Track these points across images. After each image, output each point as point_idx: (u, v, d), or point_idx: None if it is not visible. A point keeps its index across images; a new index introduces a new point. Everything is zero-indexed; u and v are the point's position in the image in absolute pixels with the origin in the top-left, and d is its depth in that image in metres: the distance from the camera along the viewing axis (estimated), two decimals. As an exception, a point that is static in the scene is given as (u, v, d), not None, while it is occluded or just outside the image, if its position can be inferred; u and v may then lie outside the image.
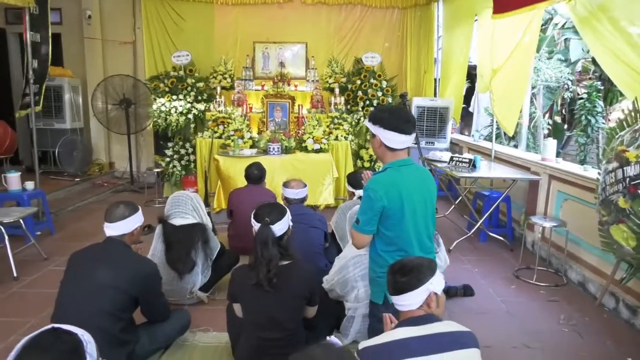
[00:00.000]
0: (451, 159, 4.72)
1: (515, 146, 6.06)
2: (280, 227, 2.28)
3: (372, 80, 6.68)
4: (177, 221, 3.20)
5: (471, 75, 7.13)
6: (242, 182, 4.99)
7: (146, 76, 7.19)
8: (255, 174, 4.28)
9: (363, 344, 1.54)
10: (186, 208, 3.27)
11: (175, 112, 6.30)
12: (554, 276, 3.91)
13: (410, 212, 2.27)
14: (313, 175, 5.24)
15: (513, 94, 5.14)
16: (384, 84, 6.73)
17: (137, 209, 2.51)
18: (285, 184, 3.60)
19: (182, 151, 6.42)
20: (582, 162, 5.01)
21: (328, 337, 1.25)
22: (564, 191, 4.09)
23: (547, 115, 6.95)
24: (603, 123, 5.14)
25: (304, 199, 3.61)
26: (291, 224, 2.39)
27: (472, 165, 4.54)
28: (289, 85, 6.81)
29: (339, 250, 3.73)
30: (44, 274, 3.79)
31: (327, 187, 5.39)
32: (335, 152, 5.91)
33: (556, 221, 3.79)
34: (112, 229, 2.42)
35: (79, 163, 6.92)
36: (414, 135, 2.36)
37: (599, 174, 3.07)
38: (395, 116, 2.28)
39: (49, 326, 1.29)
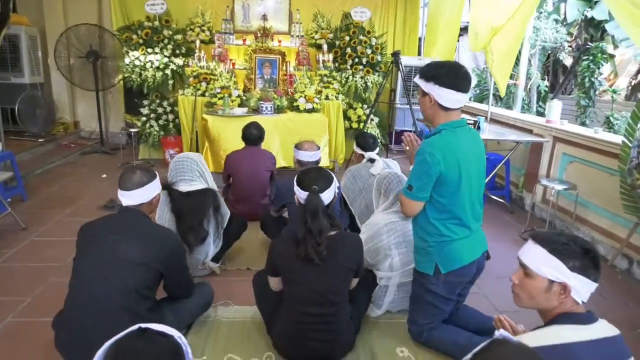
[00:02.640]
0: (455, 120, 4.59)
1: (509, 108, 6.02)
2: (328, 196, 2.07)
3: (361, 37, 6.38)
4: (183, 187, 2.90)
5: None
6: (234, 142, 4.69)
7: (113, 27, 6.54)
8: (254, 134, 4.00)
9: None
10: (192, 174, 2.95)
11: (151, 66, 5.81)
12: (560, 238, 3.94)
13: (467, 177, 2.12)
14: (308, 136, 4.94)
15: (509, 53, 5.04)
16: (374, 41, 6.45)
17: (155, 175, 2.22)
18: (298, 146, 3.35)
19: (160, 110, 5.96)
20: (583, 124, 5.04)
21: (497, 332, 1.07)
22: (570, 153, 4.07)
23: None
24: (602, 86, 5.17)
25: (317, 162, 3.39)
26: (337, 191, 2.18)
27: (477, 127, 4.44)
28: (272, 40, 6.40)
29: (350, 215, 3.58)
30: (26, 245, 3.42)
31: (322, 149, 5.15)
32: (327, 112, 5.66)
33: (566, 184, 3.78)
34: (129, 198, 2.12)
35: (42, 122, 6.31)
36: (469, 94, 2.18)
37: (625, 137, 3.02)
38: (454, 72, 2.08)
39: (135, 327, 1.05)
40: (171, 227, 2.80)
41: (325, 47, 6.28)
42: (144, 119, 5.91)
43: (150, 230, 2.11)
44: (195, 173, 2.97)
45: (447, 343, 2.26)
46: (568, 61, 7.58)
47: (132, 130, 5.74)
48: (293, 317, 2.07)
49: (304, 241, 1.97)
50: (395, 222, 2.64)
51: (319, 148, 3.38)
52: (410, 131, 6.88)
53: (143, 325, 1.05)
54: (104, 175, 5.28)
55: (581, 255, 1.36)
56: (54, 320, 2.07)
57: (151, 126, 5.89)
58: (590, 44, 5.12)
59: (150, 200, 2.19)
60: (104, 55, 6.30)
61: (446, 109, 2.13)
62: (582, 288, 1.36)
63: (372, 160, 3.75)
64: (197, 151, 4.89)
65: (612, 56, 5.62)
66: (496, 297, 2.94)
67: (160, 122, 5.93)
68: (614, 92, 5.36)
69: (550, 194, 4.12)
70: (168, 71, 5.85)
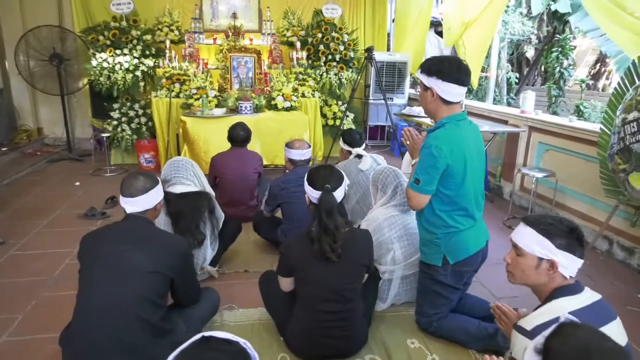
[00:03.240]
0: (434, 113, 4.68)
1: (480, 100, 6.18)
2: (340, 194, 2.08)
3: (333, 34, 6.40)
4: (177, 188, 2.81)
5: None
6: (214, 144, 4.63)
7: (75, 28, 6.29)
8: (241, 135, 3.94)
9: (529, 323, 1.45)
10: (187, 173, 2.87)
11: (121, 68, 5.61)
12: (541, 224, 4.10)
13: (471, 169, 2.18)
14: (290, 135, 4.95)
15: (481, 46, 5.19)
16: (346, 37, 6.49)
17: (158, 180, 2.16)
18: (289, 145, 3.33)
19: (131, 113, 5.77)
20: (554, 113, 5.26)
21: (562, 316, 1.09)
22: (546, 142, 4.24)
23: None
24: (571, 76, 5.43)
25: (309, 160, 3.38)
26: (347, 188, 2.19)
27: (456, 119, 4.54)
28: (243, 38, 6.33)
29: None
30: (7, 260, 3.23)
31: (304, 147, 5.14)
32: (305, 110, 5.65)
33: (545, 171, 3.92)
34: (134, 205, 2.05)
35: (4, 130, 5.99)
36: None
37: (603, 124, 3.17)
38: (455, 66, 2.13)
39: (198, 336, 1.02)
40: (167, 230, 2.74)
41: (298, 44, 6.26)
42: (115, 123, 5.70)
43: (159, 237, 2.06)
44: (191, 173, 2.91)
45: (457, 331, 2.31)
46: (530, 53, 7.85)
47: (104, 135, 5.53)
48: (310, 317, 2.07)
49: (319, 240, 1.97)
50: (395, 215, 2.68)
51: (309, 146, 3.37)
52: (387, 125, 6.93)
53: (206, 333, 1.03)
54: (78, 183, 5.08)
55: (566, 234, 1.52)
56: (62, 335, 1.99)
57: (123, 130, 5.70)
58: (558, 35, 5.35)
59: (154, 206, 2.13)
60: (68, 58, 6.04)
61: (448, 103, 2.18)
62: (568, 264, 1.52)
63: (359, 156, 3.78)
64: (179, 154, 4.78)
65: (573, 47, 5.89)
66: (491, 283, 3.03)
67: (133, 125, 5.74)
68: (582, 81, 5.64)
69: (530, 183, 4.27)
70: (138, 73, 5.68)
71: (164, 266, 1.96)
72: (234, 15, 6.43)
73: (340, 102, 6.46)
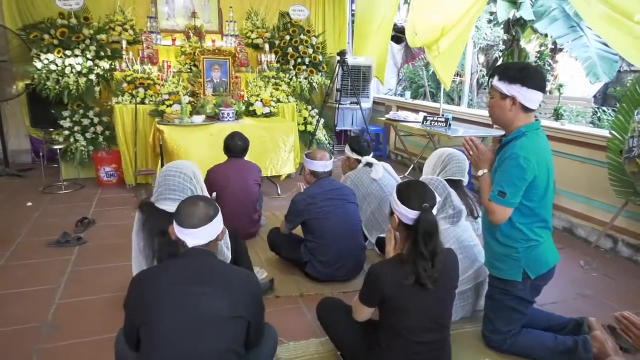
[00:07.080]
0: (425, 118, 4.65)
1: (453, 103, 6.27)
2: (435, 212, 1.88)
3: (302, 36, 6.17)
4: (165, 204, 2.14)
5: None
6: (196, 154, 4.24)
7: (6, 23, 5.49)
8: (239, 145, 3.62)
9: None
10: (186, 184, 2.19)
11: (72, 71, 4.97)
12: (538, 225, 4.20)
13: (552, 179, 2.10)
14: (274, 142, 4.68)
15: (455, 50, 5.26)
16: (314, 40, 6.29)
17: (218, 207, 1.83)
18: (310, 156, 3.07)
19: (85, 121, 5.13)
20: (534, 116, 5.46)
21: None
22: (535, 145, 4.35)
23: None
24: (549, 81, 5.66)
25: (331, 172, 3.15)
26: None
27: (448, 124, 4.54)
28: (204, 39, 5.92)
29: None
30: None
31: (288, 155, 4.86)
32: (282, 115, 5.38)
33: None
34: (197, 237, 1.71)
35: None
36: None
37: (614, 129, 3.29)
38: (535, 72, 2.06)
39: None
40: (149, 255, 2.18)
41: (266, 47, 5.97)
42: (66, 133, 5.04)
43: (232, 274, 1.73)
44: (188, 193, 2.21)
45: (534, 347, 2.22)
46: (481, 59, 8.16)
47: (57, 147, 4.85)
48: (406, 350, 1.86)
49: (414, 265, 1.77)
50: (447, 229, 2.55)
51: (331, 157, 3.13)
52: (360, 130, 6.79)
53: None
54: (30, 204, 4.40)
55: None
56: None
57: (76, 141, 5.05)
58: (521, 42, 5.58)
59: (217, 237, 1.80)
60: (3, 60, 5.25)
61: (528, 111, 2.09)
62: None
63: (369, 164, 3.62)
64: (162, 165, 4.29)
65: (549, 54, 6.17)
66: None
67: (88, 135, 5.11)
68: (560, 86, 5.94)
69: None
70: (93, 76, 5.06)
71: (244, 308, 1.66)
72: (194, 15, 6.01)
73: (310, 107, 6.24)
